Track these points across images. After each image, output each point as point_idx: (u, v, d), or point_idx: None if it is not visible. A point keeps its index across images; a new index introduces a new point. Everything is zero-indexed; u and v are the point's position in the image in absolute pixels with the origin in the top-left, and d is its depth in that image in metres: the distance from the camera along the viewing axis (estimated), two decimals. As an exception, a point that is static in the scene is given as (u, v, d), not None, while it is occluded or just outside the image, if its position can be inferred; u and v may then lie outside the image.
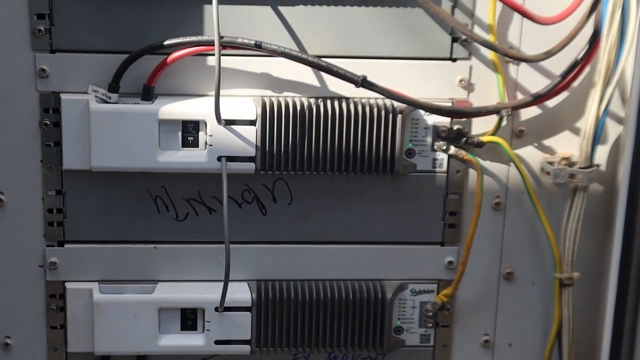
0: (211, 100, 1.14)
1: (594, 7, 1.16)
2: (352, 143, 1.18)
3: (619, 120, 1.23)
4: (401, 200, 1.22)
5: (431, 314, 1.24)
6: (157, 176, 1.19)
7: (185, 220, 1.21)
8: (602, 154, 1.23)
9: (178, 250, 1.21)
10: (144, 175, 1.18)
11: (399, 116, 1.18)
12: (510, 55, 1.16)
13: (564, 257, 1.21)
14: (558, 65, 1.19)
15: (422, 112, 1.19)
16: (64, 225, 1.19)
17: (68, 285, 1.20)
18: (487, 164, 1.23)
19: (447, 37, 1.18)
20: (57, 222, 1.19)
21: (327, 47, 1.18)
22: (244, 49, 1.13)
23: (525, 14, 1.13)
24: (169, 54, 1.14)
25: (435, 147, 1.21)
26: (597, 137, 1.17)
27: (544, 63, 1.19)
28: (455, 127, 1.21)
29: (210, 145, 1.16)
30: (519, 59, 1.18)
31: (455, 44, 1.19)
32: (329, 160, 1.18)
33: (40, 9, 1.13)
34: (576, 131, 1.23)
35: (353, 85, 1.14)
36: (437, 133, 1.21)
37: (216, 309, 1.19)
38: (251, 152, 1.17)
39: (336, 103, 1.17)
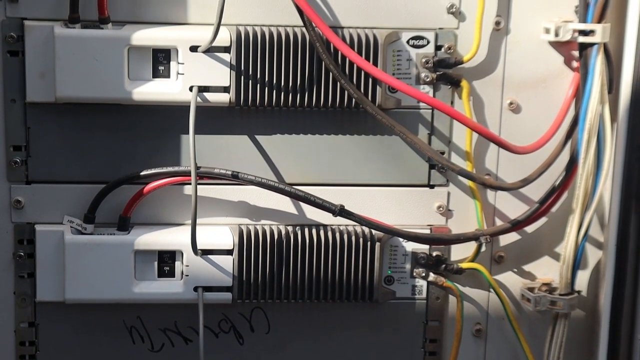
0: (187, 230, 1.13)
1: (569, 135, 1.17)
2: (330, 271, 1.17)
3: (599, 245, 1.23)
4: (381, 328, 1.21)
5: None
6: (133, 307, 1.17)
7: (161, 351, 1.18)
8: (582, 279, 1.23)
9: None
10: (119, 306, 1.16)
11: (377, 244, 1.17)
12: (487, 185, 1.17)
13: (548, 385, 1.19)
14: (536, 191, 1.19)
15: (400, 238, 1.19)
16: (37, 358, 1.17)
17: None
18: (467, 290, 1.22)
19: (424, 164, 1.19)
20: (29, 355, 1.17)
21: (304, 175, 1.18)
22: (221, 179, 1.13)
23: (501, 144, 1.14)
24: (146, 184, 1.14)
25: (415, 274, 1.20)
26: (577, 263, 1.17)
27: (521, 189, 1.19)
28: (434, 254, 1.20)
29: (187, 275, 1.15)
30: (497, 187, 1.18)
31: (432, 171, 1.19)
32: (307, 289, 1.17)
33: (17, 140, 1.13)
34: (556, 256, 1.22)
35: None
36: (416, 260, 1.20)
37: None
38: (228, 281, 1.15)
39: (314, 231, 1.17)
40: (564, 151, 1.18)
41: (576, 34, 1.13)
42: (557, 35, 1.14)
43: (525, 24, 1.17)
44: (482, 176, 1.17)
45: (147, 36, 1.10)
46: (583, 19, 1.12)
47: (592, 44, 1.12)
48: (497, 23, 1.16)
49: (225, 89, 1.12)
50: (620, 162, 1.17)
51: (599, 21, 1.11)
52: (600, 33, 1.11)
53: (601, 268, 1.22)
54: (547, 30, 1.15)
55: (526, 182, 1.17)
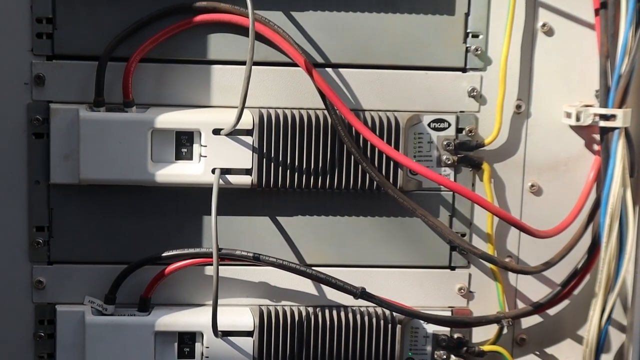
0: (208, 311, 1.13)
1: (591, 218, 1.17)
2: (351, 353, 1.16)
3: (622, 329, 1.22)
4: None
5: None
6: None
7: None
8: (605, 363, 1.22)
9: None
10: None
11: (398, 326, 1.16)
12: (509, 268, 1.16)
13: None
14: (558, 273, 1.19)
15: (421, 320, 1.18)
16: None
17: None
18: (489, 373, 1.21)
19: (445, 245, 1.19)
20: None
21: (325, 256, 1.18)
22: (243, 260, 1.13)
23: (523, 229, 1.14)
24: (167, 264, 1.14)
25: (436, 356, 1.19)
26: (601, 346, 1.16)
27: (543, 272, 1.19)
28: (455, 336, 1.19)
29: (207, 357, 1.15)
30: (518, 271, 1.17)
31: (454, 253, 1.19)
32: (329, 371, 1.16)
33: (40, 221, 1.13)
34: (579, 339, 1.21)
35: (352, 295, 1.14)
36: (437, 342, 1.19)
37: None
38: (247, 362, 1.15)
39: (334, 312, 1.16)
40: (586, 234, 1.17)
41: (597, 118, 1.13)
42: (578, 119, 1.14)
43: (545, 107, 1.17)
44: (503, 260, 1.17)
45: (170, 119, 1.11)
46: (604, 104, 1.13)
47: (613, 129, 1.12)
48: (518, 106, 1.17)
49: (247, 171, 1.13)
50: (644, 245, 1.16)
51: (620, 106, 1.12)
52: (622, 118, 1.11)
53: (624, 352, 1.21)
54: (569, 115, 1.15)
55: (548, 265, 1.17)
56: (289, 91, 1.14)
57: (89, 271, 1.15)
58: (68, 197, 1.13)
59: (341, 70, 1.15)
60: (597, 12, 1.14)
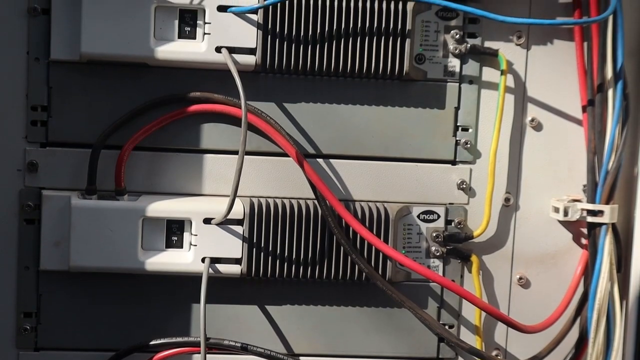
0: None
1: (578, 312, 1.17)
2: None
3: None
4: None
5: None
6: None
7: None
8: None
9: None
10: None
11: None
12: (496, 364, 1.17)
13: None
14: (546, 375, 1.19)
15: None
16: None
17: None
18: None
19: (433, 337, 1.19)
20: None
21: (314, 345, 1.17)
22: (230, 350, 1.13)
23: (510, 324, 1.14)
24: (155, 352, 1.13)
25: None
26: None
27: (533, 362, 1.19)
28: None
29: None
30: (506, 368, 1.18)
31: (442, 344, 1.19)
32: None
33: (28, 307, 1.13)
34: None
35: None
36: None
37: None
38: None
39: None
40: (574, 328, 1.18)
41: (585, 214, 1.14)
42: (566, 214, 1.15)
43: (534, 200, 1.19)
44: (491, 355, 1.17)
45: (161, 208, 1.12)
46: (591, 200, 1.14)
47: (600, 224, 1.13)
48: (507, 200, 1.18)
49: (237, 261, 1.13)
50: (631, 340, 1.16)
51: (607, 202, 1.13)
52: (609, 214, 1.13)
53: None
54: (556, 210, 1.16)
55: (536, 359, 1.17)
56: (280, 181, 1.15)
57: (76, 358, 1.14)
58: (57, 284, 1.13)
59: (332, 160, 1.16)
60: (584, 108, 1.16)
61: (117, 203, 1.11)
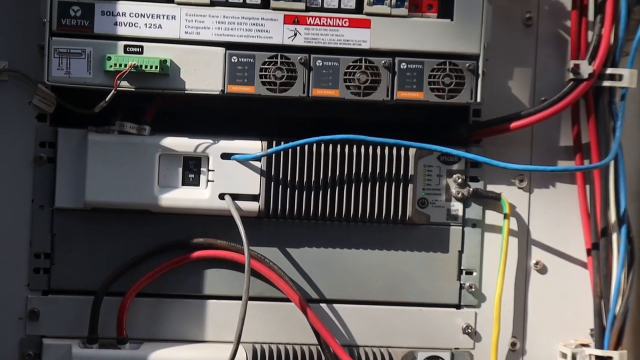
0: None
1: None
2: None
3: None
4: None
5: None
6: None
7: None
8: None
9: None
10: None
11: None
12: None
13: None
14: None
15: None
16: None
17: None
18: None
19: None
20: None
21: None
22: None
23: None
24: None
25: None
26: None
27: None
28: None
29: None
30: None
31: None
32: None
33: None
34: None
35: None
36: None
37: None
38: None
39: None
40: None
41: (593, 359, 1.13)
42: (574, 360, 1.14)
43: (541, 345, 1.17)
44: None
45: (164, 356, 1.10)
46: (599, 345, 1.13)
47: (611, 367, 1.12)
48: (513, 344, 1.17)
49: (240, 410, 1.11)
50: None
51: (616, 347, 1.11)
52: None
53: None
54: (564, 355, 1.15)
55: None
56: (283, 327, 1.14)
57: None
58: None
59: (336, 305, 1.15)
60: (589, 252, 1.16)
61: (119, 352, 1.10)
